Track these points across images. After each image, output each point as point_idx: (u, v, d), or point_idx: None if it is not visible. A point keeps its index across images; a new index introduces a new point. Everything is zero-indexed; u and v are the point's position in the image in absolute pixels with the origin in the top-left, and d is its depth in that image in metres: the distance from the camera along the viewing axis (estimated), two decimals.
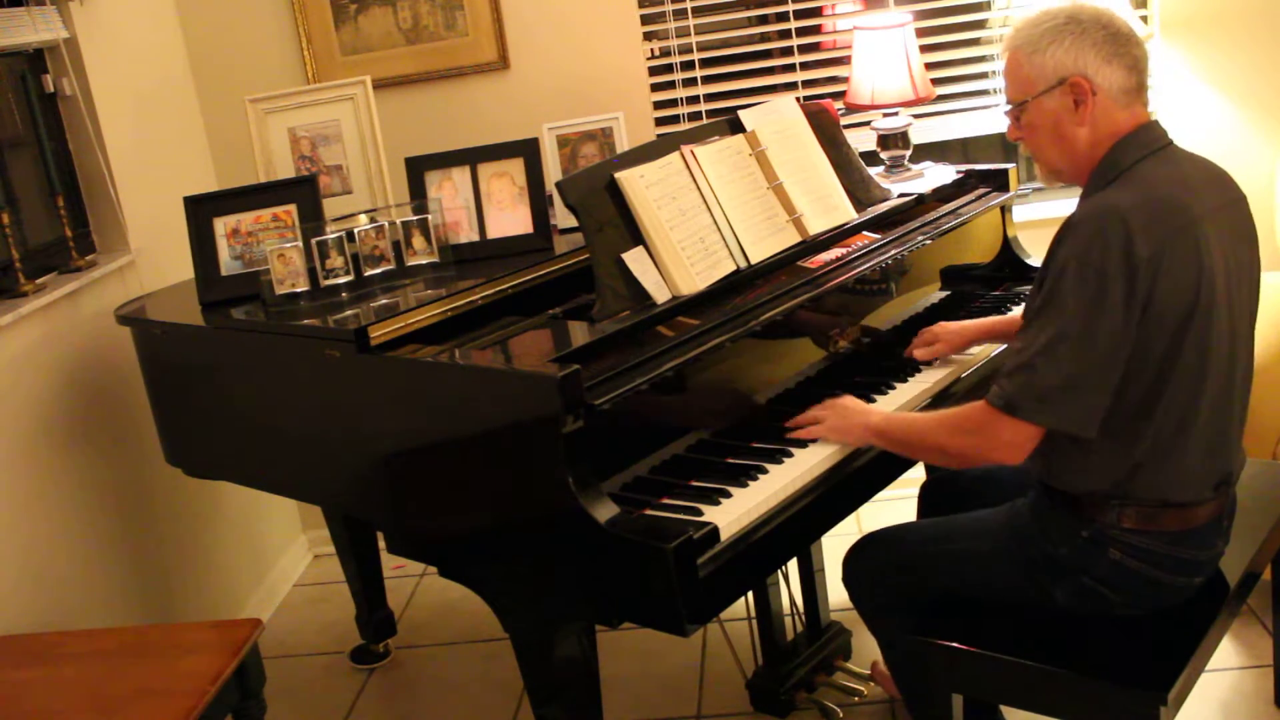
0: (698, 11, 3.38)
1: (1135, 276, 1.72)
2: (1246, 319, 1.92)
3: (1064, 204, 3.37)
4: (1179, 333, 1.77)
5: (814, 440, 2.05)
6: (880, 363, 2.38)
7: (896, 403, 2.21)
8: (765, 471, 1.95)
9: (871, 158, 2.89)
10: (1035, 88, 1.87)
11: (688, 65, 3.41)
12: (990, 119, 3.36)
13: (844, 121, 2.75)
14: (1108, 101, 1.84)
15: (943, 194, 2.76)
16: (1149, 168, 1.83)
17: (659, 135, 3.36)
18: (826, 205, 2.45)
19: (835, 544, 2.40)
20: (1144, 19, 3.21)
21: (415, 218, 2.41)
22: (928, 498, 2.44)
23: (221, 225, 2.49)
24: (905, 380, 2.30)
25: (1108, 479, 1.86)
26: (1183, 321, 1.77)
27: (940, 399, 2.26)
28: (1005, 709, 2.32)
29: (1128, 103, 1.85)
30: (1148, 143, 1.85)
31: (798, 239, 2.36)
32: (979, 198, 2.75)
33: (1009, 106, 1.93)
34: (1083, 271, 1.74)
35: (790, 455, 2.01)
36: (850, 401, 2.09)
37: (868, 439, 2.02)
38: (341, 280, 2.35)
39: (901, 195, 2.68)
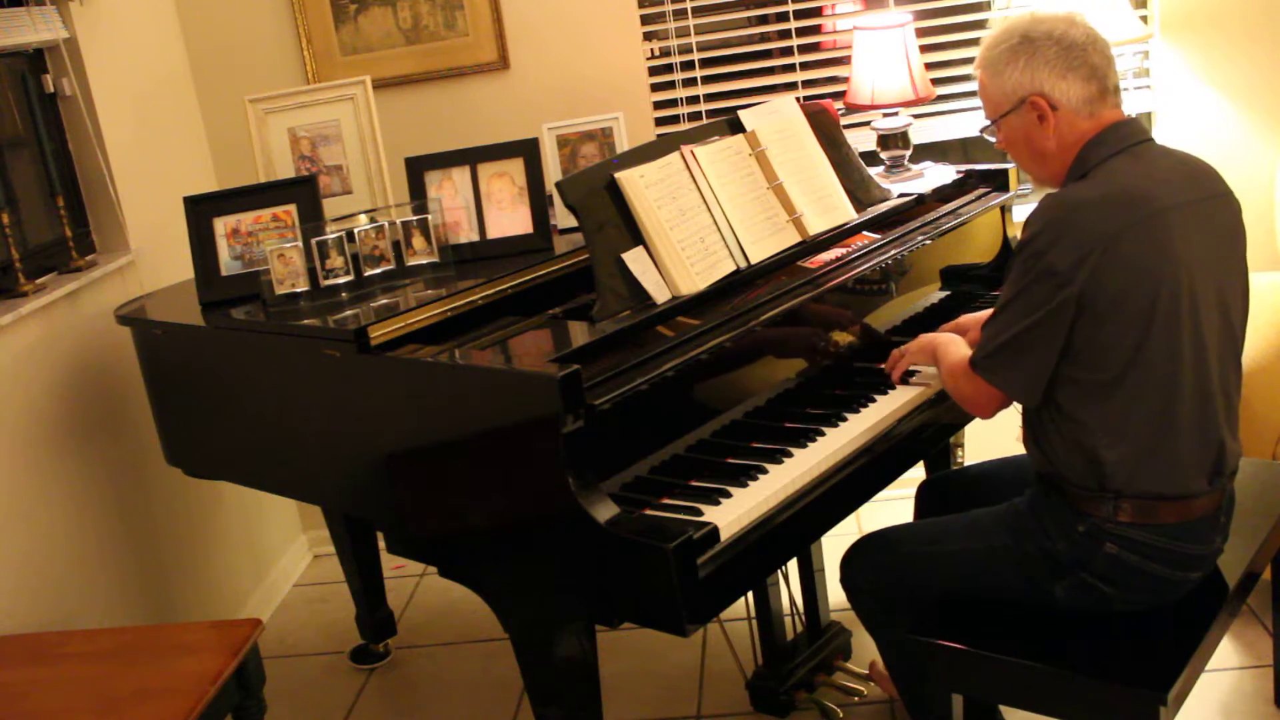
0: (698, 11, 3.38)
1: (1079, 264, 1.78)
2: (1233, 313, 1.92)
3: None
4: (1145, 320, 1.81)
5: (818, 437, 2.06)
6: (877, 367, 2.38)
7: (900, 400, 2.20)
8: (765, 471, 1.95)
9: (871, 158, 2.89)
10: (1001, 108, 1.97)
11: (688, 65, 3.41)
12: None
13: (844, 121, 2.75)
14: (1069, 114, 1.91)
15: (943, 194, 2.76)
16: (1116, 163, 1.89)
17: (659, 135, 3.36)
18: (826, 205, 2.45)
19: (835, 544, 2.40)
20: (1144, 19, 3.21)
21: (415, 218, 2.41)
22: (924, 497, 2.45)
23: (221, 225, 2.49)
24: (907, 381, 2.29)
25: (1088, 476, 1.88)
26: (1147, 309, 1.81)
27: (942, 398, 2.25)
28: (1005, 709, 2.32)
29: (1090, 111, 1.91)
30: (1118, 140, 1.91)
31: (798, 239, 2.36)
32: (979, 198, 2.75)
33: (986, 124, 2.03)
34: (1029, 254, 1.83)
35: (790, 455, 2.01)
36: (928, 334, 2.24)
37: (931, 360, 2.18)
38: (341, 280, 2.35)
39: (901, 195, 2.68)
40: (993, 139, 2.03)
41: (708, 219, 2.24)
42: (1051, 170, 1.97)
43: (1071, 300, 1.80)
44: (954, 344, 2.13)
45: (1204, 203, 1.90)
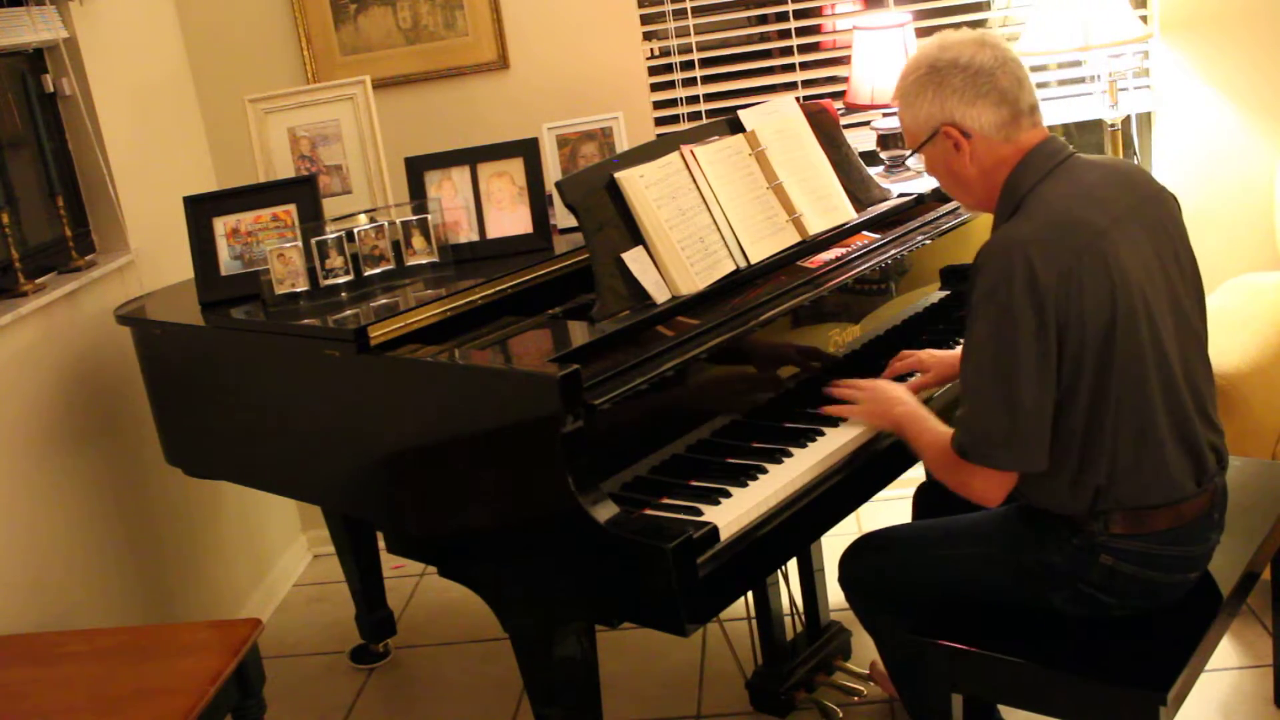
0: (698, 11, 3.38)
1: (1044, 306, 1.74)
2: (1188, 310, 1.90)
3: None
4: (1104, 349, 1.78)
5: (818, 437, 2.06)
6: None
7: None
8: (765, 471, 1.95)
9: (871, 158, 2.89)
10: (918, 139, 1.95)
11: (688, 65, 3.41)
12: None
13: (844, 121, 2.75)
14: (983, 140, 1.89)
15: (942, 194, 2.75)
16: (1048, 188, 1.85)
17: (659, 135, 3.36)
18: (826, 205, 2.45)
19: (835, 544, 2.39)
20: (1144, 19, 3.21)
21: (415, 218, 2.41)
22: (923, 499, 2.44)
23: (221, 225, 2.49)
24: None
25: (1079, 503, 1.86)
26: (1105, 337, 1.77)
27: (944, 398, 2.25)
28: (1004, 709, 2.32)
29: (1006, 135, 1.88)
30: (1044, 162, 1.87)
31: (797, 239, 2.36)
32: None
33: (908, 154, 2.01)
34: (991, 310, 1.77)
35: (790, 455, 2.01)
36: (887, 385, 2.13)
37: (890, 427, 2.06)
38: (341, 280, 2.35)
39: (901, 195, 2.68)
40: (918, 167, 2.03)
41: (707, 219, 2.24)
42: (977, 196, 1.96)
43: (1053, 342, 1.75)
44: (921, 420, 1.99)
45: (1141, 207, 1.88)
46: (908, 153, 2.00)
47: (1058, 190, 1.85)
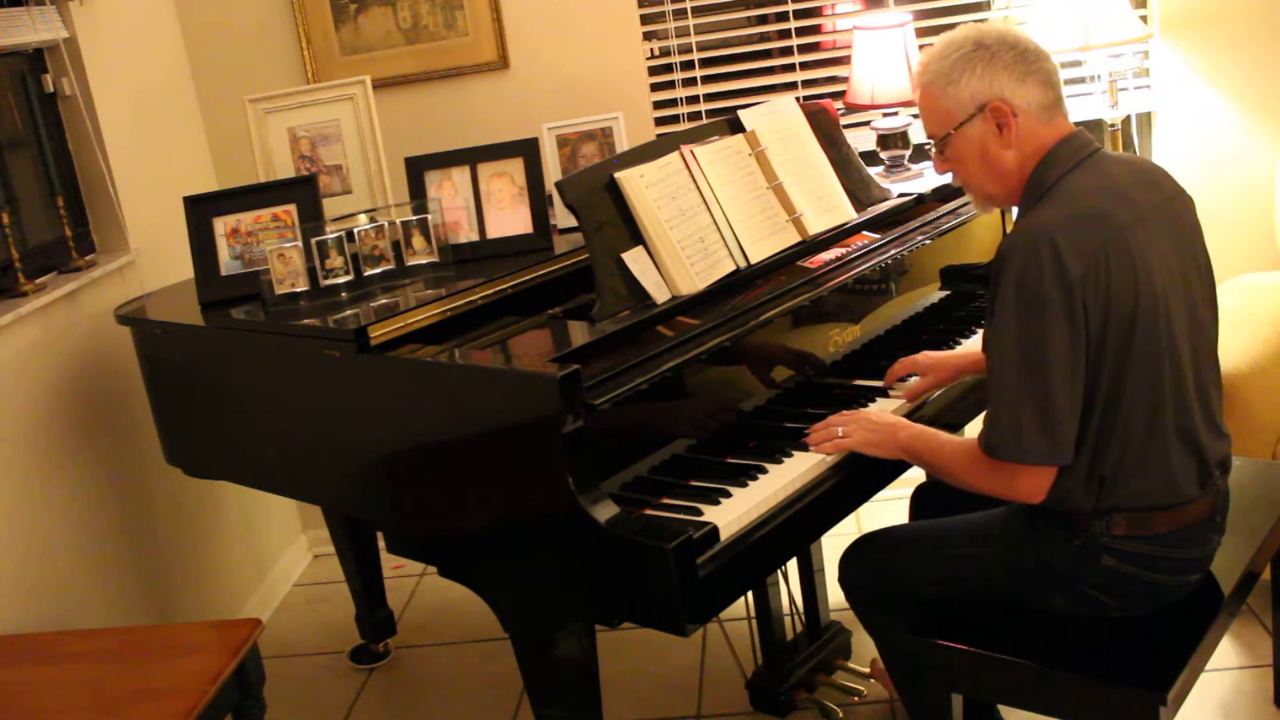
0: (698, 11, 3.38)
1: (1072, 294, 1.72)
2: (1200, 310, 1.89)
3: None
4: (1125, 343, 1.77)
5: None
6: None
7: (900, 401, 2.20)
8: (765, 471, 1.95)
9: (871, 158, 2.89)
10: (955, 119, 1.89)
11: (688, 65, 3.41)
12: None
13: (844, 121, 2.75)
14: (1029, 120, 1.85)
15: (942, 194, 2.75)
16: (1075, 180, 1.83)
17: (659, 135, 3.36)
18: (826, 205, 2.45)
19: (835, 544, 2.39)
20: (1144, 19, 3.21)
21: (415, 218, 2.41)
22: (920, 499, 2.43)
23: (221, 225, 2.49)
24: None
25: (1087, 499, 1.85)
26: (1126, 331, 1.77)
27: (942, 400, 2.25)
28: (1004, 709, 2.32)
29: (1048, 118, 1.86)
30: (1071, 155, 1.85)
31: (797, 239, 2.36)
32: None
33: (940, 137, 1.93)
34: (1019, 299, 1.75)
35: (790, 455, 2.01)
36: (876, 414, 2.07)
37: (897, 454, 2.00)
38: (341, 280, 2.35)
39: (901, 195, 2.68)
40: (938, 156, 1.94)
41: (707, 219, 2.24)
42: (1007, 186, 1.90)
43: (1083, 331, 1.74)
44: (932, 436, 1.95)
45: (1163, 205, 1.88)
46: (937, 138, 1.92)
47: (1083, 182, 1.83)
